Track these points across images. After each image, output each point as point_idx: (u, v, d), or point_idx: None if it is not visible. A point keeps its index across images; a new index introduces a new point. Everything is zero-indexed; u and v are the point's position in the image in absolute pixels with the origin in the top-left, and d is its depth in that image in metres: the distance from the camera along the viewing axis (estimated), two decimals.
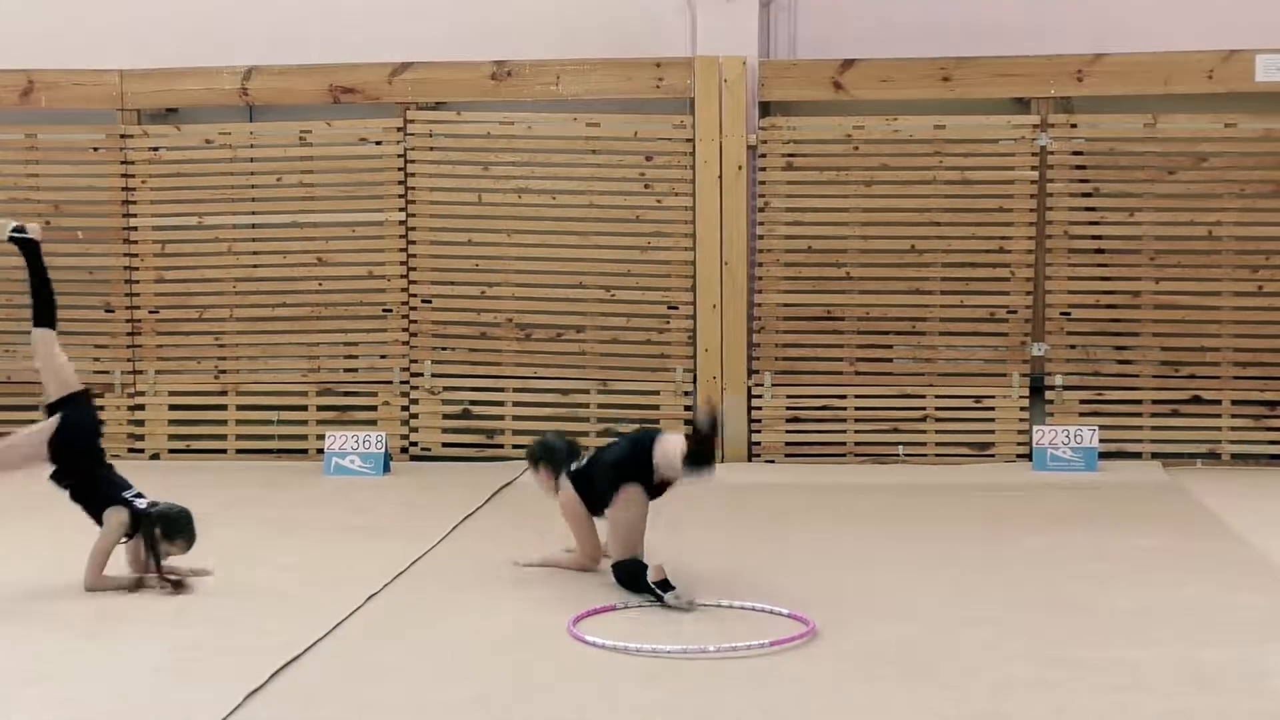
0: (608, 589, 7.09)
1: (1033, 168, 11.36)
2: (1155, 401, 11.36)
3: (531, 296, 11.78)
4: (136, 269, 12.06)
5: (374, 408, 11.89)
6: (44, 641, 6.36)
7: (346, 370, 11.99)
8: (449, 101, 11.91)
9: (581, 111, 11.74)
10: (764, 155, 11.51)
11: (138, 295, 12.07)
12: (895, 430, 11.50)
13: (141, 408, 12.09)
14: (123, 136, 12.03)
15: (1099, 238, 11.41)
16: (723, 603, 6.83)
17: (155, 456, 12.02)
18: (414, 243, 11.83)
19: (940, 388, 11.50)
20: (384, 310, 11.90)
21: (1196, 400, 11.34)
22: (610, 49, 11.73)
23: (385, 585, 7.32)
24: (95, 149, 12.08)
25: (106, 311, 12.10)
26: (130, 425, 12.08)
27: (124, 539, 7.40)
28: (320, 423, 11.88)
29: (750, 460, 11.39)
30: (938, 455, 11.45)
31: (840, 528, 8.87)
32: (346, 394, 11.96)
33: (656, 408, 11.63)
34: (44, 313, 7.56)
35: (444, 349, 11.88)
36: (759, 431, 11.54)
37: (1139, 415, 11.36)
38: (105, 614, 6.81)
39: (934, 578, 7.41)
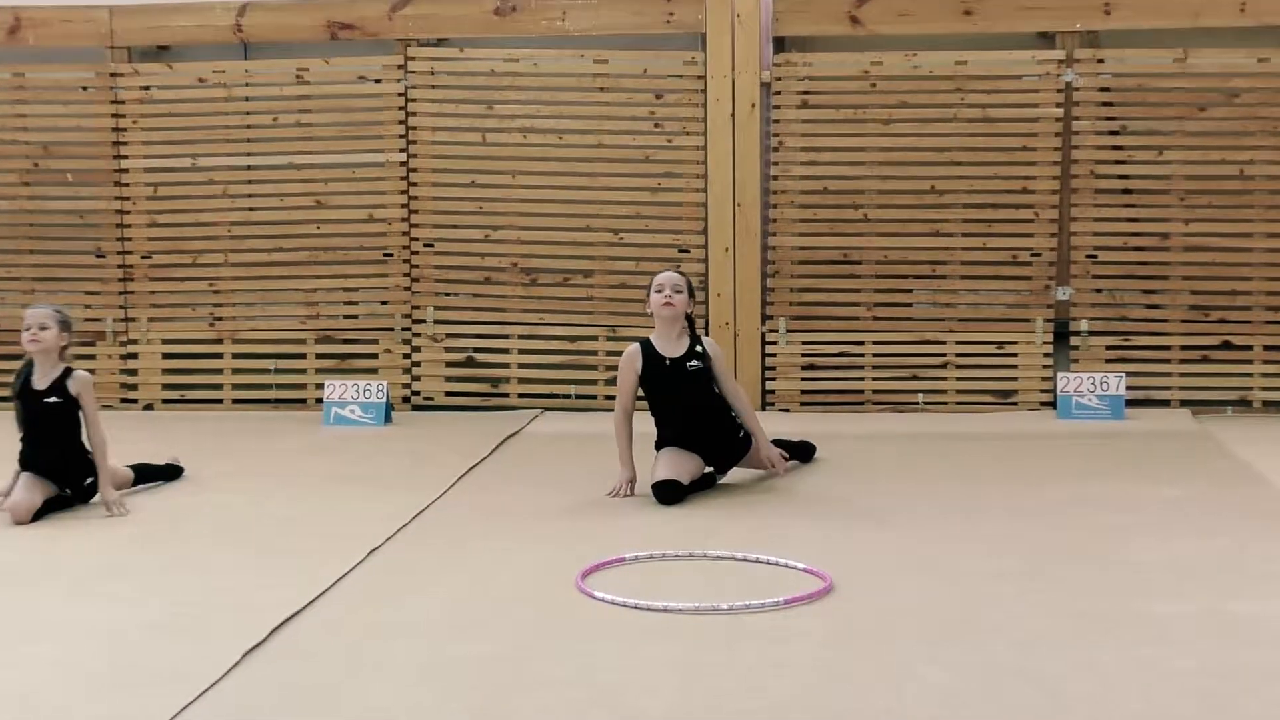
0: (617, 538, 7.09)
1: (1058, 105, 11.30)
2: (1184, 347, 11.33)
3: (537, 240, 11.75)
4: (128, 213, 12.05)
5: (375, 356, 11.89)
6: (33, 597, 6.38)
7: (346, 317, 11.98)
8: (451, 38, 11.86)
9: (589, 48, 11.68)
10: (778, 93, 11.46)
11: (129, 240, 12.06)
12: (914, 378, 11.49)
13: (134, 357, 12.10)
14: (113, 75, 11.99)
15: (1126, 177, 11.36)
16: (737, 556, 6.83)
17: (149, 407, 12.03)
18: (415, 185, 11.80)
19: (961, 333, 11.47)
20: (385, 255, 11.88)
21: (1227, 345, 11.31)
22: None
23: (387, 539, 7.33)
24: (84, 88, 12.05)
25: (97, 257, 12.10)
26: (122, 375, 12.09)
27: None
28: (319, 371, 11.89)
29: (764, 409, 11.38)
30: (958, 403, 11.44)
31: (857, 479, 8.86)
32: (346, 342, 11.96)
33: None
34: None
35: (447, 295, 11.86)
36: (773, 380, 11.53)
37: (1167, 361, 11.33)
38: (97, 569, 6.82)
39: (954, 530, 7.41)
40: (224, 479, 9.05)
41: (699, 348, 8.38)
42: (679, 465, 8.22)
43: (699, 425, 8.37)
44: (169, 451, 9.28)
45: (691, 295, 8.45)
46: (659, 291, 8.32)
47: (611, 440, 8.51)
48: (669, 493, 8.05)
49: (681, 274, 8.49)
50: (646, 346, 8.40)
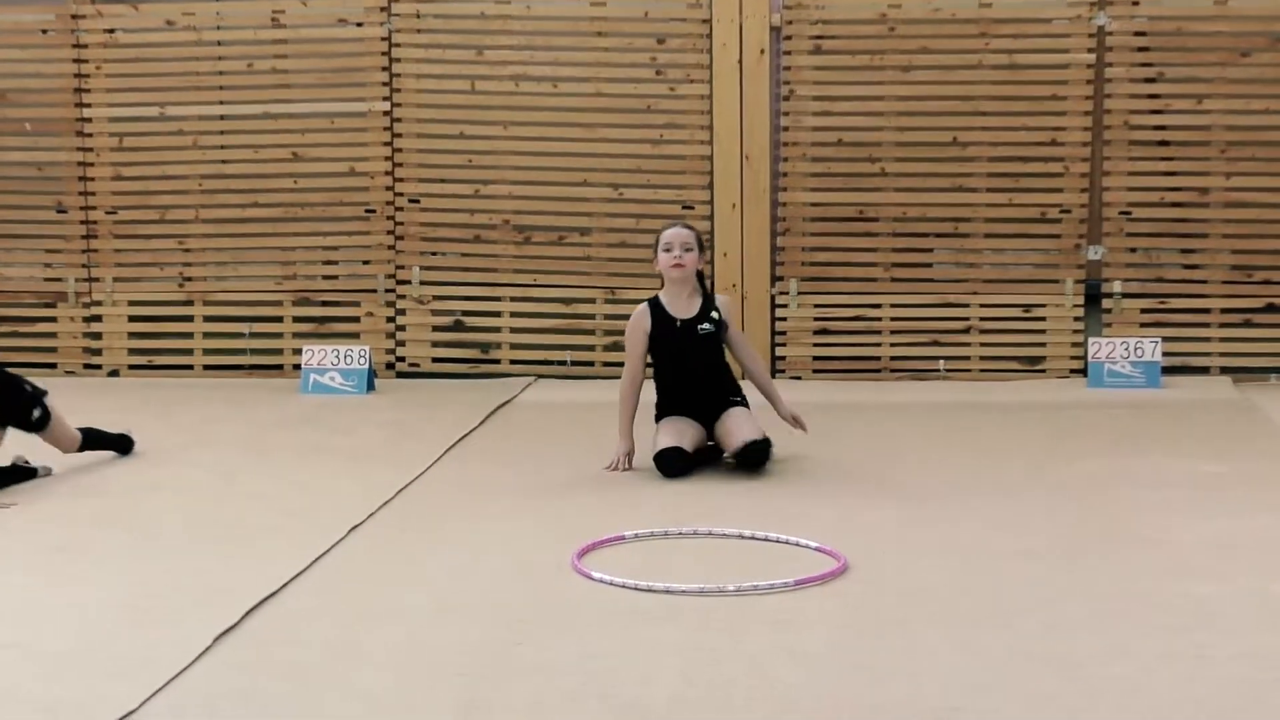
0: (615, 515, 7.08)
1: (1089, 50, 11.25)
2: (1225, 310, 11.31)
3: (531, 195, 11.72)
4: (91, 165, 12.01)
5: (356, 319, 11.87)
6: None
7: (325, 278, 11.96)
8: None
9: None
10: (789, 37, 11.41)
11: (93, 194, 12.03)
12: (935, 343, 11.46)
13: (98, 319, 12.07)
14: (74, 17, 11.94)
15: (1163, 128, 11.31)
16: (744, 534, 6.81)
17: (114, 373, 12.01)
18: (400, 136, 11.76)
19: (985, 296, 11.44)
20: (367, 211, 11.84)
21: (1271, 309, 11.29)
22: None
23: (369, 516, 7.31)
24: (44, 31, 12.01)
25: (58, 212, 12.08)
26: (86, 339, 12.07)
27: None
28: (296, 335, 11.86)
29: (774, 377, 11.35)
30: (982, 371, 11.42)
31: (874, 452, 8.84)
32: (325, 304, 11.93)
33: None
34: None
35: (433, 254, 11.84)
36: (783, 345, 11.50)
37: (1206, 325, 11.30)
38: (60, 546, 6.80)
39: (978, 507, 7.39)
40: (193, 451, 9.02)
41: (713, 312, 8.34)
42: (682, 433, 8.20)
43: (702, 391, 8.35)
44: (133, 422, 9.25)
45: (702, 250, 8.45)
46: (668, 250, 8.28)
47: (611, 409, 8.49)
48: (672, 463, 8.03)
49: (690, 228, 8.46)
50: (655, 306, 8.36)
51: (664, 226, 8.51)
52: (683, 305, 8.34)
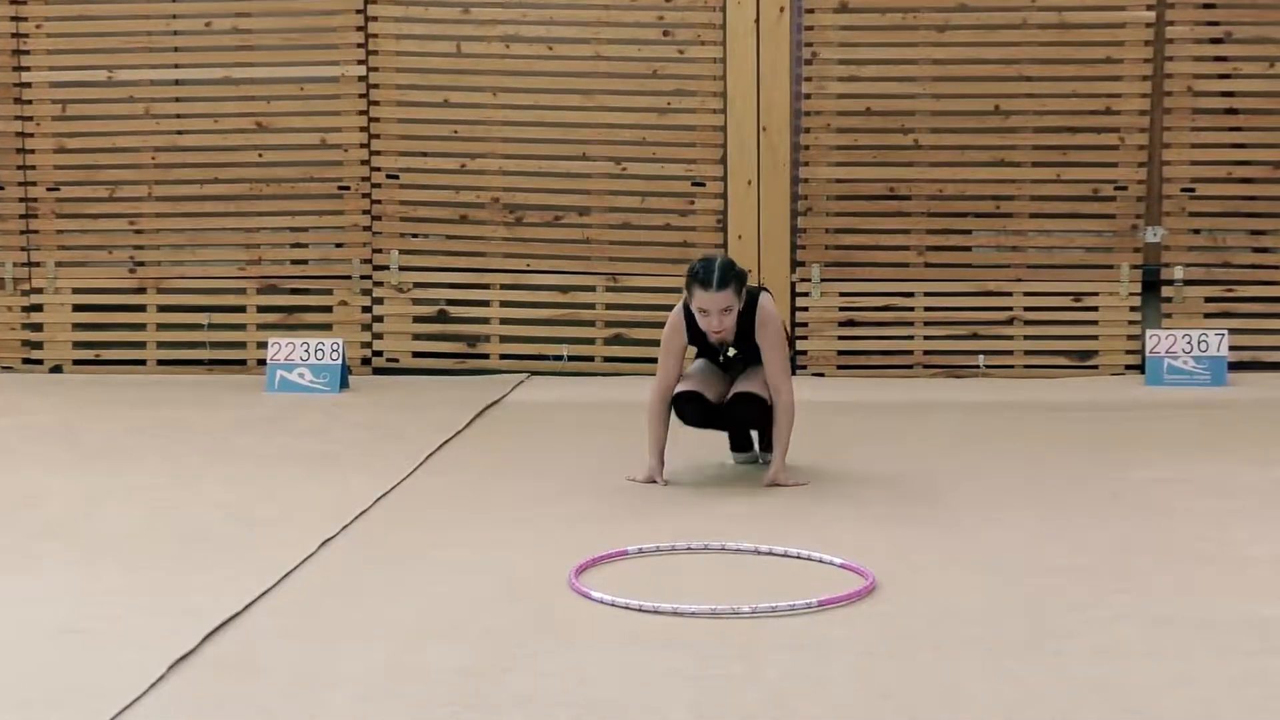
0: (618, 527, 7.10)
1: (1148, 7, 11.28)
2: None
3: (523, 171, 11.75)
4: (31, 135, 12.04)
5: (328, 309, 11.90)
6: None
7: (294, 263, 12.00)
8: None
9: None
10: None
11: (33, 169, 12.06)
12: (974, 336, 11.49)
13: (39, 309, 12.10)
14: None
15: (1231, 94, 11.34)
16: (761, 549, 6.83)
17: (56, 369, 12.04)
18: (377, 104, 11.79)
19: (1030, 283, 11.47)
20: (340, 188, 11.88)
21: None
22: None
23: (343, 528, 7.32)
24: None
25: None
26: (25, 330, 12.11)
27: None
28: (261, 327, 11.90)
29: (795, 374, 11.36)
30: (1026, 367, 11.45)
31: (905, 457, 8.86)
32: (294, 292, 11.97)
33: None
34: None
35: (414, 236, 11.87)
36: (805, 339, 11.53)
37: (1278, 317, 11.32)
38: None
39: (1021, 519, 7.40)
40: (147, 456, 9.05)
41: (735, 349, 8.25)
42: (706, 380, 8.31)
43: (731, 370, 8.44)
44: (79, 424, 9.27)
45: (741, 289, 8.00)
46: (704, 314, 7.98)
47: (612, 409, 8.52)
48: (691, 409, 8.19)
49: (726, 282, 7.93)
50: (691, 318, 8.17)
51: (695, 272, 7.98)
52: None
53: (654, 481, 8.20)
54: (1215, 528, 7.20)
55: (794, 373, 10.47)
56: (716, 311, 7.92)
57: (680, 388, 8.21)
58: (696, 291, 7.92)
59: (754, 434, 8.59)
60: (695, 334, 8.22)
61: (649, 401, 8.31)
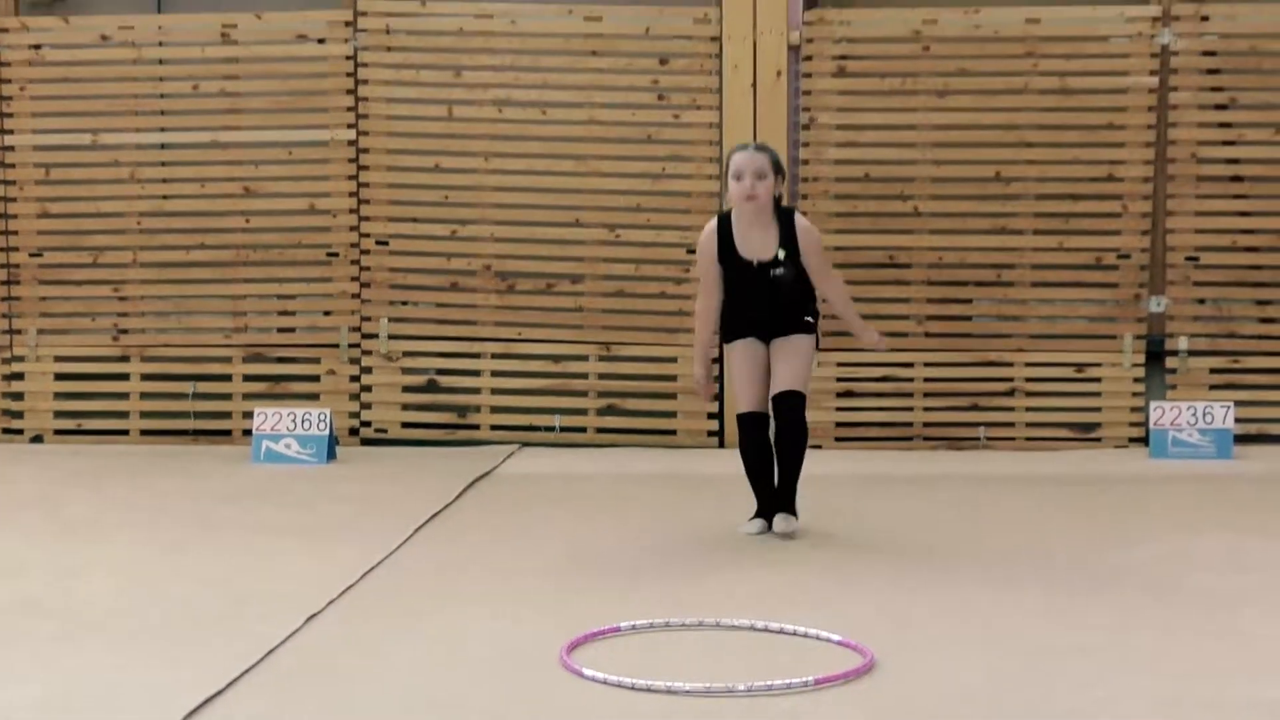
0: (610, 602, 7.08)
1: (1152, 73, 11.32)
2: None
3: (515, 238, 11.76)
4: (13, 200, 12.06)
5: (316, 378, 11.90)
6: None
7: (281, 330, 11.99)
8: None
9: (578, 2, 11.72)
10: (809, 58, 11.47)
11: (14, 234, 12.07)
12: (975, 407, 11.48)
13: (19, 377, 12.10)
14: None
15: (1236, 162, 11.37)
16: (757, 625, 6.81)
17: (37, 439, 12.03)
18: (367, 169, 11.81)
19: (1032, 354, 11.48)
20: (329, 254, 11.89)
21: None
22: None
23: (329, 603, 7.30)
24: None
25: None
26: (5, 400, 12.08)
27: None
28: (248, 397, 11.89)
29: (807, 440, 11.36)
30: (1028, 439, 11.44)
31: (905, 531, 8.84)
32: (281, 360, 11.96)
33: (674, 378, 11.61)
34: None
35: (404, 304, 11.87)
36: None
37: None
38: None
39: (1024, 595, 7.39)
40: (129, 528, 9.02)
41: (781, 251, 8.38)
42: (754, 375, 8.43)
43: (771, 312, 8.47)
44: (60, 495, 9.25)
45: (779, 174, 8.43)
46: (738, 179, 8.32)
47: (606, 480, 8.51)
48: (751, 433, 8.40)
49: (764, 149, 8.47)
50: (724, 231, 8.42)
51: (733, 149, 8.51)
52: (756, 243, 8.39)
53: (708, 386, 8.61)
54: (1222, 604, 7.18)
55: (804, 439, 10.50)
56: (751, 172, 8.27)
57: (740, 409, 8.40)
58: (734, 156, 8.40)
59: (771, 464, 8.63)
60: (732, 261, 8.39)
61: (696, 311, 8.64)
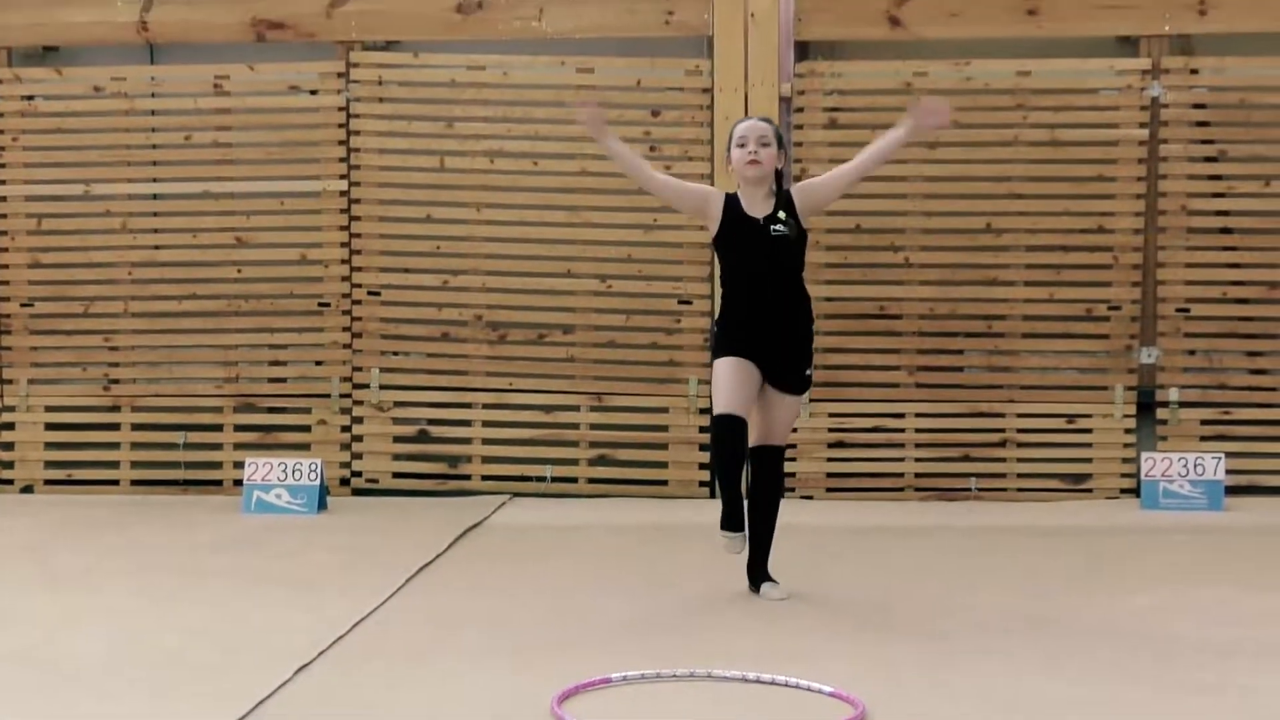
0: (602, 653, 7.06)
1: (1141, 125, 11.35)
2: None
3: (506, 288, 11.76)
4: (5, 250, 12.06)
5: (307, 428, 11.88)
6: None
7: (272, 380, 11.98)
8: (403, 40, 11.91)
9: (571, 53, 11.73)
10: (801, 109, 11.50)
11: (6, 284, 12.07)
12: (966, 458, 11.48)
13: (10, 427, 12.08)
14: None
15: (1226, 214, 11.39)
16: (748, 676, 6.80)
17: (27, 489, 12.00)
18: (358, 219, 11.82)
19: (1023, 405, 11.48)
20: (320, 304, 11.88)
21: None
22: None
23: (319, 655, 7.28)
24: None
25: None
26: None
27: None
28: (239, 447, 11.87)
29: (782, 496, 11.35)
30: (1020, 490, 11.43)
31: (897, 582, 8.84)
32: (272, 410, 11.95)
33: (665, 428, 11.60)
34: None
35: (395, 354, 11.87)
36: (794, 460, 11.51)
37: (1277, 440, 11.33)
38: None
39: (1015, 647, 7.38)
40: (119, 578, 9.00)
41: (782, 212, 8.33)
42: (742, 386, 8.20)
43: (772, 307, 8.30)
44: (50, 546, 9.24)
45: (782, 147, 8.45)
46: (741, 146, 8.33)
47: (599, 531, 8.48)
48: (728, 437, 8.12)
49: (768, 120, 8.52)
50: (732, 199, 8.40)
51: (737, 120, 8.62)
52: (759, 206, 8.36)
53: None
54: (1215, 657, 7.17)
55: (786, 493, 10.50)
56: (754, 138, 8.30)
57: (721, 406, 8.16)
58: (737, 126, 8.44)
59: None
60: (734, 224, 8.33)
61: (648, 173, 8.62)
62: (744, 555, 8.40)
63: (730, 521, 8.24)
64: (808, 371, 8.41)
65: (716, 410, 8.22)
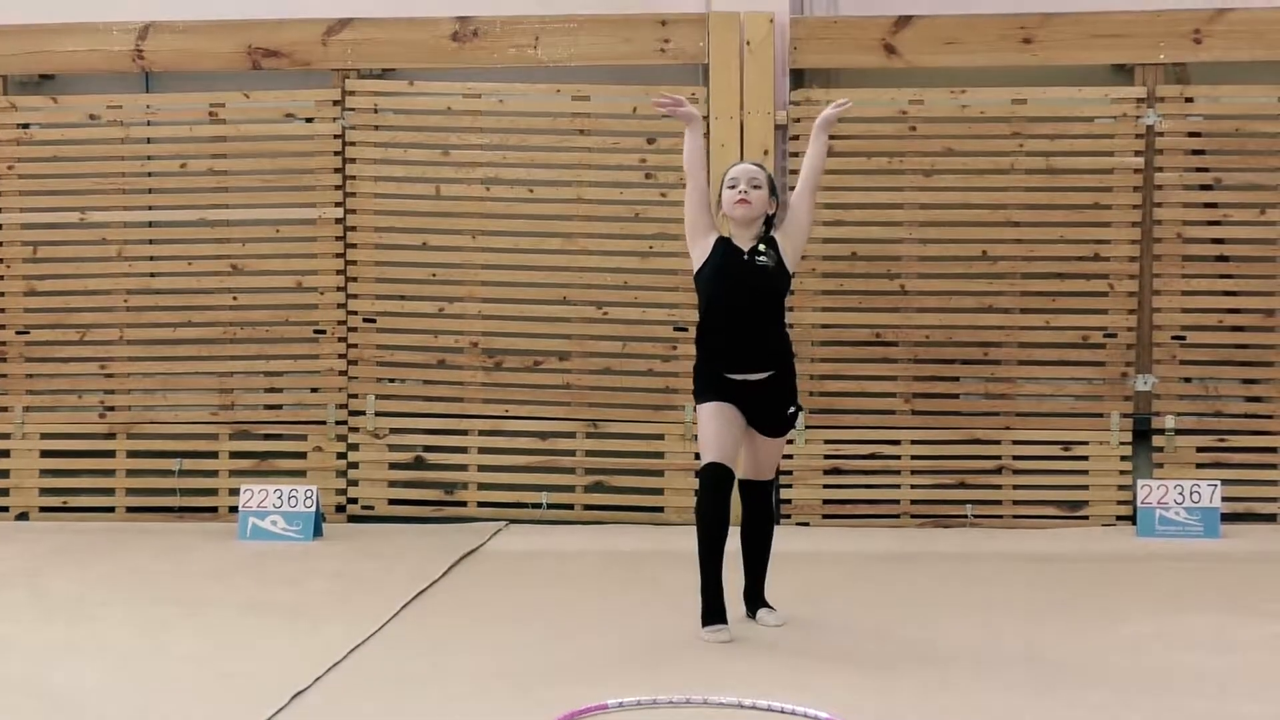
0: (598, 680, 7.06)
1: (1137, 153, 11.36)
2: None
3: (502, 315, 11.76)
4: (1, 278, 12.04)
5: (303, 455, 11.88)
6: None
7: (268, 408, 11.98)
8: (399, 68, 11.92)
9: (566, 81, 11.75)
10: (796, 137, 11.51)
11: (2, 311, 12.06)
12: (962, 485, 11.48)
13: (6, 454, 12.07)
14: None
15: (1221, 241, 11.40)
16: (745, 703, 6.80)
17: (23, 516, 11.99)
18: (354, 246, 11.82)
19: (1019, 432, 11.48)
20: (316, 331, 11.88)
21: None
22: (603, 2, 11.74)
23: (315, 681, 7.28)
24: None
25: None
26: None
27: None
28: (234, 474, 11.86)
29: (778, 523, 11.34)
30: (1015, 517, 11.43)
31: (892, 609, 8.83)
32: (267, 437, 11.94)
33: (661, 455, 11.61)
34: None
35: (391, 381, 11.86)
36: (789, 487, 11.51)
37: (1273, 467, 11.34)
38: None
39: (1011, 672, 7.38)
40: (114, 606, 8.99)
41: (763, 244, 8.35)
42: (728, 432, 8.19)
43: (752, 342, 8.27)
44: (45, 573, 9.22)
45: (774, 194, 8.47)
46: (732, 188, 8.37)
47: (595, 557, 8.46)
48: (715, 487, 8.10)
49: (761, 166, 8.57)
50: (724, 238, 8.44)
51: (730, 165, 8.72)
52: (746, 243, 8.38)
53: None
54: (1211, 685, 7.17)
55: (778, 522, 10.52)
56: (745, 180, 8.36)
57: (707, 458, 8.15)
58: (729, 170, 8.50)
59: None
60: (724, 254, 8.36)
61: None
62: (739, 582, 8.42)
63: (711, 615, 8.12)
64: (790, 410, 8.40)
65: (704, 460, 8.23)
